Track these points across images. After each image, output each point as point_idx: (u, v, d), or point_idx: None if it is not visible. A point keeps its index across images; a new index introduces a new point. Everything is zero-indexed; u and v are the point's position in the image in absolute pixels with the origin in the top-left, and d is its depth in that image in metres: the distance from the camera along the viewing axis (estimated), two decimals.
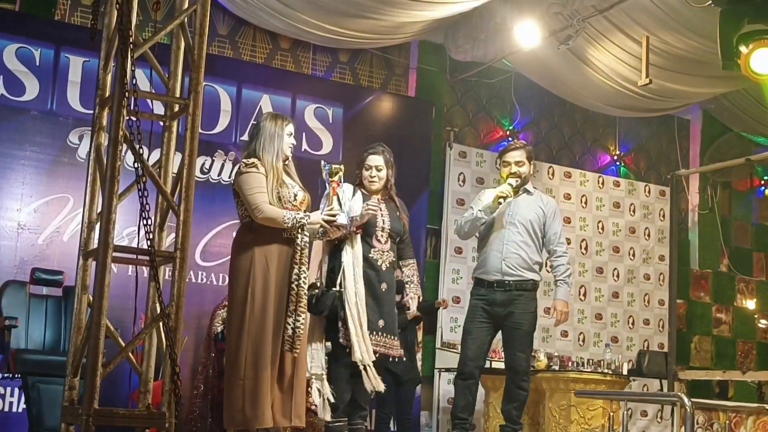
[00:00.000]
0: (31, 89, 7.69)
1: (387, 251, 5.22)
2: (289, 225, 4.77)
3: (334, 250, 5.20)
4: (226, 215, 8.16)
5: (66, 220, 7.68)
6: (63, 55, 7.83)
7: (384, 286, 5.22)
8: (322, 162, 5.36)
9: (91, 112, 7.71)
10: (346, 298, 5.01)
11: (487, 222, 5.70)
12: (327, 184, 5.20)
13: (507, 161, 5.78)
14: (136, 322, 4.83)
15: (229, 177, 8.31)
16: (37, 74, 7.72)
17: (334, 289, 5.09)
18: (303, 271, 4.78)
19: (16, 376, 5.99)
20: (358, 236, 5.14)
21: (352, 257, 5.10)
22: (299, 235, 4.78)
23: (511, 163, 5.76)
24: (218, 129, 8.26)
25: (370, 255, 5.18)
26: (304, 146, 8.73)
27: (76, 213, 7.71)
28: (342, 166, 5.23)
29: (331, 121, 8.91)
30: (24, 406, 7.15)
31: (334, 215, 4.98)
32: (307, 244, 4.87)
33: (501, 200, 5.58)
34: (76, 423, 3.50)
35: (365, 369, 5.03)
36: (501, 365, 6.13)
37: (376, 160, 5.37)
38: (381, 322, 5.16)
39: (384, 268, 5.22)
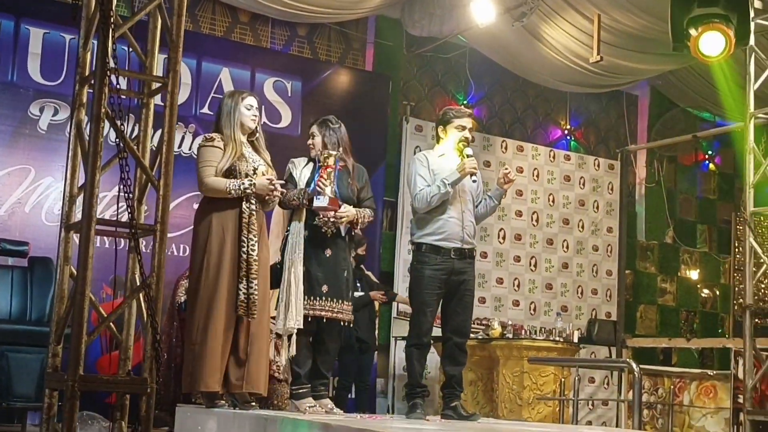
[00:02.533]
0: None
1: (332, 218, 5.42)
2: (234, 194, 4.93)
3: (288, 221, 5.41)
4: (186, 187, 8.21)
5: (28, 191, 7.73)
6: (23, 26, 7.85)
7: (328, 252, 5.39)
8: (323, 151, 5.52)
9: (52, 83, 7.87)
10: (285, 267, 5.23)
11: None
12: (317, 169, 5.37)
13: (463, 125, 5.72)
14: (116, 292, 5.00)
15: (189, 149, 8.41)
16: None
17: (278, 259, 5.31)
18: (251, 238, 4.93)
19: None
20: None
21: (296, 227, 5.32)
22: (244, 204, 4.94)
23: (465, 128, 5.73)
24: (178, 102, 8.31)
25: (315, 223, 5.36)
26: (263, 119, 8.83)
27: (38, 184, 7.78)
28: (334, 152, 5.39)
29: (290, 95, 9.03)
30: None
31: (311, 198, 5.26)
32: (254, 212, 4.99)
33: (474, 176, 5.63)
34: (60, 388, 3.64)
35: (278, 337, 5.25)
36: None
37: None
38: (325, 287, 5.33)
39: (329, 235, 5.39)
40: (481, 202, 5.81)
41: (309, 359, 5.39)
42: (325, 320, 5.31)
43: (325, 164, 5.31)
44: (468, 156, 5.64)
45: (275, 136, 8.85)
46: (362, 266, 8.36)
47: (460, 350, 5.72)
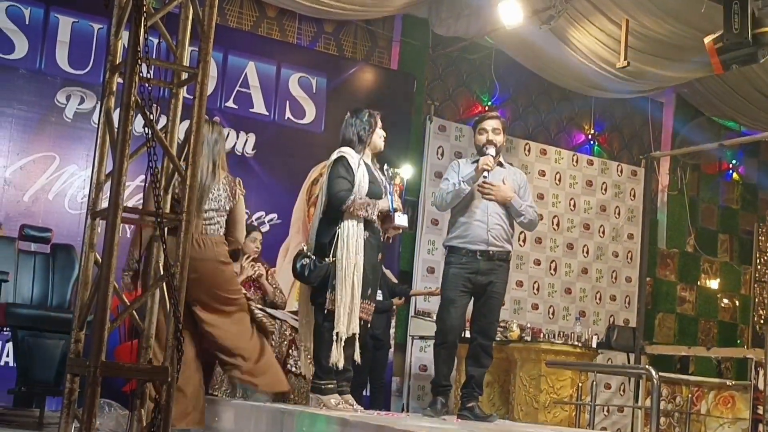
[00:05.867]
0: (20, 47, 7.76)
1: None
2: None
3: (330, 221, 5.32)
4: None
5: (52, 178, 7.79)
6: (53, 14, 7.91)
7: (380, 255, 5.41)
8: (385, 165, 5.49)
9: (79, 72, 7.91)
10: (343, 268, 5.15)
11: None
12: (389, 185, 5.39)
13: (484, 128, 5.76)
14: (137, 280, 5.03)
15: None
16: (26, 33, 7.79)
17: (327, 259, 5.21)
18: None
19: (6, 330, 6.11)
20: None
21: (354, 227, 5.24)
22: None
23: (488, 131, 5.74)
24: None
25: (375, 224, 5.35)
26: (288, 115, 8.88)
27: (62, 171, 7.84)
28: (394, 170, 5.53)
29: (314, 91, 9.05)
30: (6, 359, 7.33)
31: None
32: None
33: (486, 173, 5.65)
34: (82, 374, 3.65)
35: (338, 341, 5.19)
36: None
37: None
38: (369, 290, 5.33)
39: (382, 239, 5.42)
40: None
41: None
42: (362, 322, 5.32)
43: (399, 182, 5.42)
44: (491, 155, 5.67)
45: (299, 132, 8.90)
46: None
47: (484, 352, 5.72)
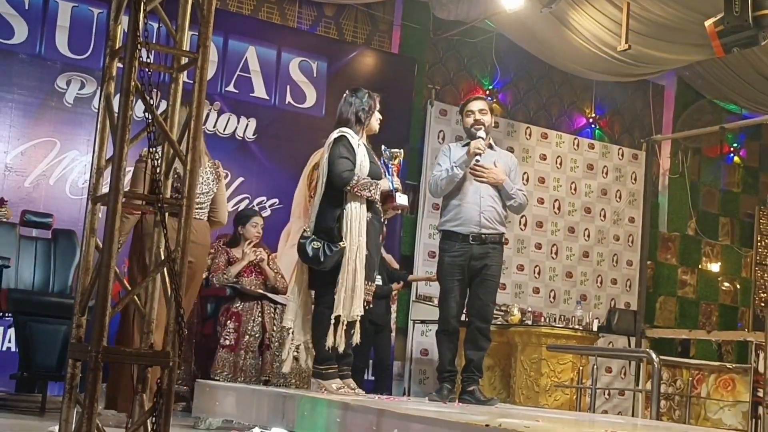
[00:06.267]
0: (19, 32, 7.75)
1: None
2: None
3: (333, 203, 5.30)
4: None
5: (53, 163, 7.79)
6: None
7: (381, 237, 5.42)
8: (383, 147, 5.48)
9: (79, 57, 7.90)
10: (348, 251, 5.15)
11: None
12: (387, 167, 5.37)
13: (471, 110, 5.79)
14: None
15: (214, 126, 8.44)
16: (26, 17, 7.78)
17: (340, 244, 5.18)
18: None
19: (8, 315, 6.13)
20: None
21: (357, 209, 5.23)
22: None
23: (474, 112, 5.77)
24: None
25: (377, 205, 5.33)
26: (288, 99, 8.88)
27: (63, 157, 7.84)
28: (401, 151, 5.50)
29: (315, 75, 9.04)
30: (8, 344, 7.35)
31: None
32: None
33: (478, 157, 5.67)
34: (84, 359, 3.66)
35: (338, 325, 5.19)
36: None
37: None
38: (373, 272, 5.34)
39: (385, 222, 5.43)
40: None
41: None
42: (365, 303, 5.31)
43: (397, 163, 5.39)
44: (481, 138, 5.69)
45: (300, 117, 8.89)
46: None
47: (481, 335, 5.75)
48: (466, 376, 5.77)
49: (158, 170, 3.76)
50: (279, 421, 4.79)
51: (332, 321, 5.16)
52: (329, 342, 5.17)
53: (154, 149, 3.70)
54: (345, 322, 5.15)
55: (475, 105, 5.84)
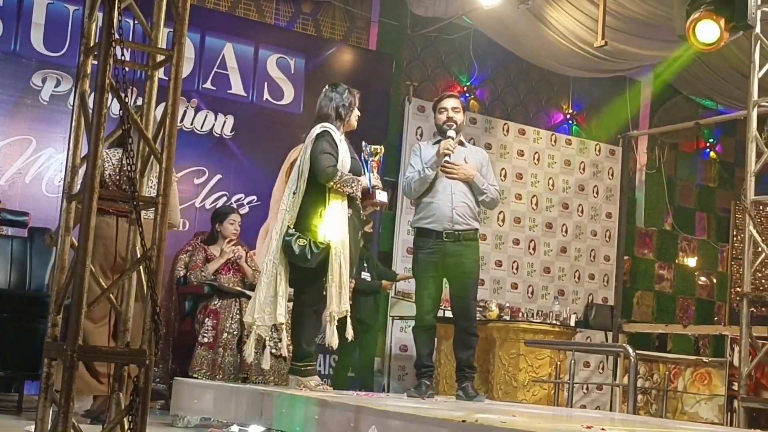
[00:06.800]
0: None
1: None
2: None
3: (316, 199, 5.29)
4: (188, 161, 8.29)
5: (28, 161, 7.73)
6: None
7: (361, 232, 5.45)
8: (363, 143, 5.48)
9: (55, 54, 7.85)
10: (334, 248, 5.16)
11: None
12: (367, 163, 5.38)
13: (444, 107, 5.81)
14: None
15: (191, 124, 8.41)
16: (0, 14, 7.71)
17: (327, 240, 5.17)
18: None
19: None
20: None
21: (340, 207, 5.24)
22: None
23: (448, 109, 5.79)
24: (182, 76, 8.28)
25: (357, 201, 5.34)
26: (266, 96, 8.86)
27: (39, 154, 7.78)
28: (382, 147, 5.49)
29: (293, 72, 9.02)
30: None
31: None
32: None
33: (447, 157, 5.69)
34: (59, 358, 3.65)
35: (331, 321, 5.20)
36: (449, 313, 6.31)
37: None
38: (354, 269, 5.37)
39: (364, 218, 5.45)
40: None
41: (316, 337, 5.43)
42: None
43: (377, 160, 5.40)
44: (451, 137, 5.71)
45: (278, 113, 8.87)
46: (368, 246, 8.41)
47: (467, 333, 5.79)
48: (458, 375, 5.87)
49: (134, 168, 3.75)
50: (257, 418, 4.79)
51: (326, 318, 5.18)
52: (327, 339, 5.18)
53: (129, 147, 3.69)
54: (336, 319, 5.18)
55: (449, 102, 5.86)
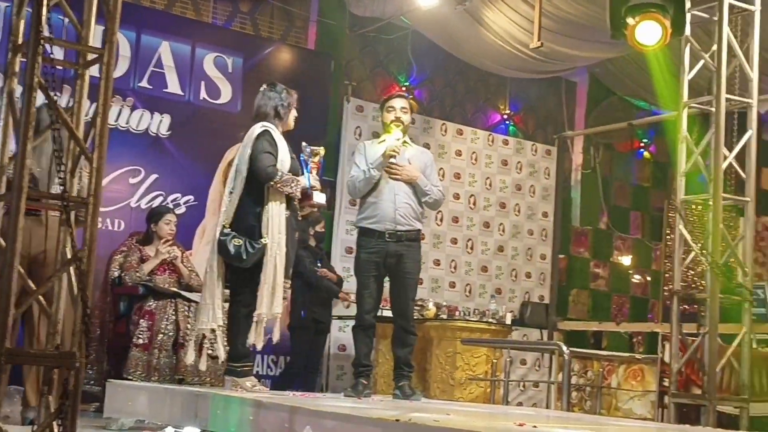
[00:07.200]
0: None
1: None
2: None
3: (255, 199, 5.26)
4: (123, 161, 8.19)
5: None
6: None
7: (297, 234, 5.45)
8: (303, 143, 5.47)
9: None
10: (269, 249, 5.15)
11: None
12: (306, 164, 5.35)
13: (393, 107, 5.85)
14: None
15: (127, 123, 8.31)
16: None
17: (262, 241, 5.17)
18: None
19: None
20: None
21: (276, 207, 5.22)
22: None
23: (396, 108, 5.83)
24: (116, 74, 8.08)
25: (295, 202, 5.35)
26: (203, 95, 8.79)
27: None
28: (323, 148, 5.50)
29: (230, 71, 8.96)
30: None
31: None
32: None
33: (393, 157, 5.72)
34: None
35: (259, 322, 5.19)
36: (388, 313, 6.35)
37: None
38: (290, 270, 5.36)
39: (300, 219, 5.46)
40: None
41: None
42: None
43: (318, 161, 5.42)
44: (397, 139, 5.74)
45: (215, 113, 8.81)
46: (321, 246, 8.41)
47: (405, 332, 5.85)
48: (396, 373, 5.90)
49: (64, 168, 3.71)
50: (192, 420, 4.76)
51: (254, 319, 5.17)
52: (250, 340, 5.17)
53: (58, 146, 3.65)
54: (264, 320, 5.16)
55: (398, 102, 5.90)
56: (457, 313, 8.74)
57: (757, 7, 6.80)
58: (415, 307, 8.53)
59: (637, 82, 11.08)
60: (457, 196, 10.71)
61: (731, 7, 6.69)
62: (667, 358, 6.89)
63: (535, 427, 3.72)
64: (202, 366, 5.63)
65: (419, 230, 5.87)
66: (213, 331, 5.44)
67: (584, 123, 11.84)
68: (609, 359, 7.66)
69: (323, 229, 8.49)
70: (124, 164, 8.18)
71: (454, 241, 10.65)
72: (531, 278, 11.15)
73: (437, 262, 10.49)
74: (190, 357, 5.42)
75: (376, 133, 9.74)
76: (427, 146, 10.23)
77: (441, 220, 10.51)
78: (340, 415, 3.84)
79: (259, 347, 5.24)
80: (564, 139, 10.01)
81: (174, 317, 6.40)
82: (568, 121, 11.69)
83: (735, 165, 6.78)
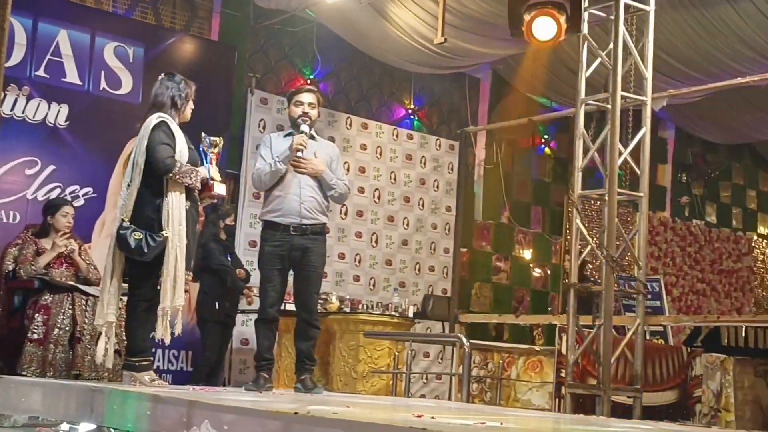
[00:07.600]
0: None
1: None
2: None
3: (153, 191, 5.18)
4: (19, 151, 8.00)
5: None
6: None
7: (199, 226, 5.41)
8: (203, 134, 5.39)
9: None
10: (170, 241, 5.08)
11: None
12: (206, 155, 5.29)
13: (300, 101, 5.85)
14: None
15: (23, 112, 8.10)
16: None
17: (163, 233, 5.09)
18: None
19: None
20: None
21: (177, 199, 5.15)
22: None
23: (304, 103, 5.83)
24: (12, 63, 7.92)
25: (195, 193, 5.30)
26: (103, 85, 8.62)
27: None
28: (221, 139, 5.46)
29: (131, 61, 8.80)
30: None
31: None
32: None
33: (300, 152, 5.72)
34: None
35: (164, 316, 5.14)
36: (292, 307, 6.35)
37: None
38: (191, 262, 5.31)
39: (202, 210, 5.42)
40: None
41: (151, 332, 5.35)
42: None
43: (217, 152, 5.36)
44: (302, 132, 5.75)
45: (115, 103, 8.65)
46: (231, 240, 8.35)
47: (308, 325, 5.86)
48: (298, 366, 5.91)
49: None
50: (87, 415, 4.67)
51: (159, 313, 5.11)
52: (158, 335, 5.12)
53: None
54: (169, 314, 5.11)
55: (306, 97, 5.89)
56: (360, 306, 8.78)
57: (652, 7, 7.01)
58: (319, 301, 8.58)
59: (538, 79, 11.28)
60: (362, 190, 10.75)
61: (627, 6, 6.88)
62: (564, 350, 7.06)
63: (432, 417, 3.77)
64: (109, 363, 5.52)
65: (325, 224, 5.89)
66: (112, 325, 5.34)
67: (487, 119, 12.00)
68: (509, 351, 7.80)
69: (233, 222, 8.43)
70: (19, 155, 7.98)
71: (359, 234, 10.69)
72: (434, 272, 11.27)
73: (342, 256, 10.51)
74: (100, 354, 5.31)
75: (280, 125, 9.72)
76: (332, 140, 10.19)
77: (346, 213, 10.54)
78: (239, 408, 3.82)
79: (167, 341, 5.19)
80: (467, 135, 10.13)
81: (71, 311, 6.26)
82: (471, 117, 11.84)
83: (630, 161, 6.98)
